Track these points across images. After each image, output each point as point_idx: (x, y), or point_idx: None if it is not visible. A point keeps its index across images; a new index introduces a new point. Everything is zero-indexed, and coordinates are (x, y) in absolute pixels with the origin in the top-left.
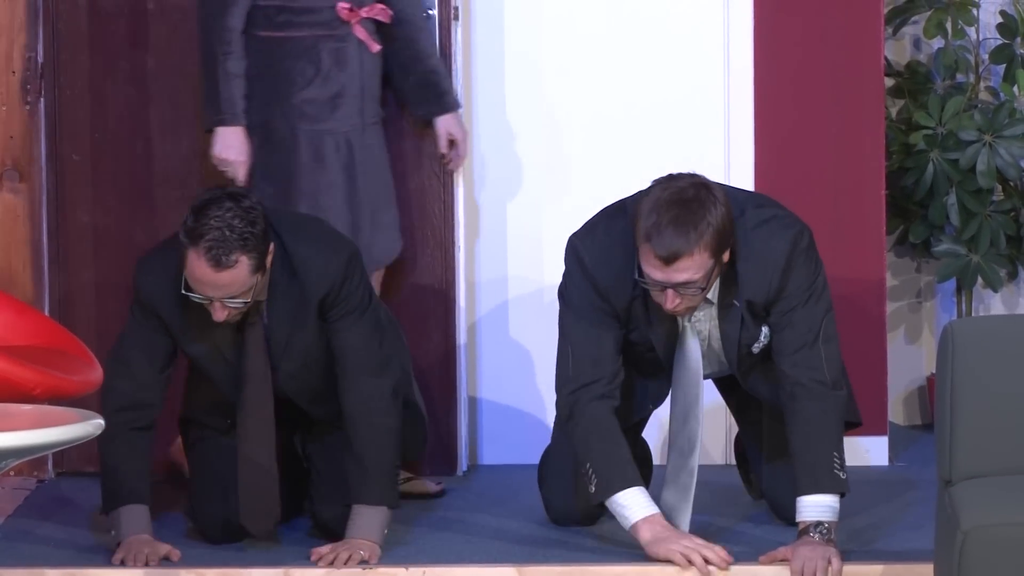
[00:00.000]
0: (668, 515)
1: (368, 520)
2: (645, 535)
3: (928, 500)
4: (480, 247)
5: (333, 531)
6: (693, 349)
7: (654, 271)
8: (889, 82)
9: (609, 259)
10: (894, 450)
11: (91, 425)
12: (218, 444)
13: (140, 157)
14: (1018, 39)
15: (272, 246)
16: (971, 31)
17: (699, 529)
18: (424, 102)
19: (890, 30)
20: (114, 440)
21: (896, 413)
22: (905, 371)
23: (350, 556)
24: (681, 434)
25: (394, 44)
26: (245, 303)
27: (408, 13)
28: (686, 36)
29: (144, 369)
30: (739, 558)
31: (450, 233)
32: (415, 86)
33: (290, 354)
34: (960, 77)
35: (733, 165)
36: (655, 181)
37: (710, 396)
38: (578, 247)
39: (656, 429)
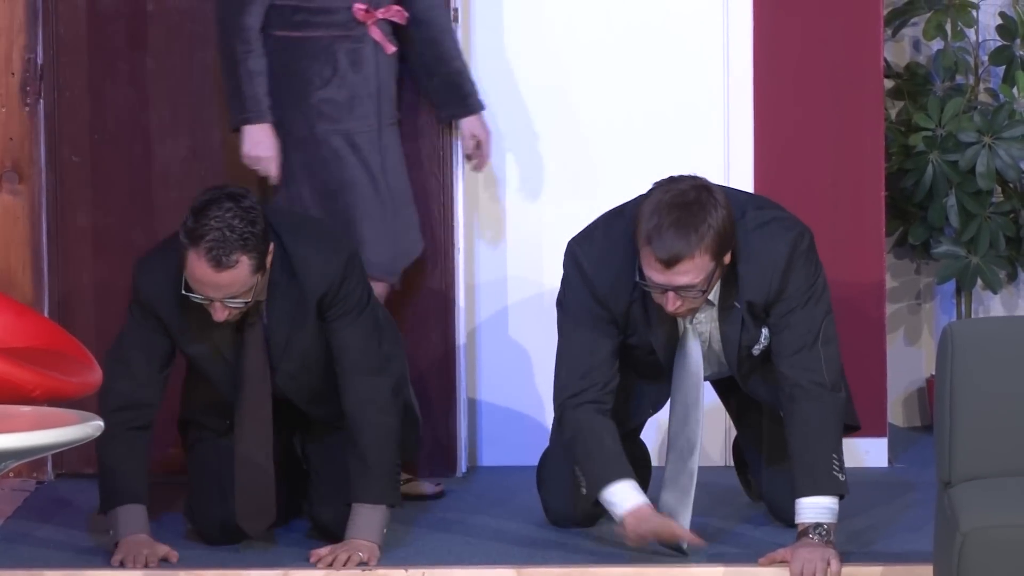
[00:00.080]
0: (668, 517)
1: (368, 520)
2: (630, 526)
3: (927, 502)
4: (479, 249)
5: (332, 532)
6: (694, 351)
7: (655, 274)
8: (888, 84)
9: (608, 262)
10: (893, 451)
11: (90, 427)
12: (217, 445)
13: (139, 159)
14: (1017, 41)
15: (272, 246)
16: (970, 33)
17: (698, 530)
18: (448, 104)
19: (889, 32)
20: (112, 440)
21: (895, 415)
22: (904, 373)
23: (349, 557)
24: (680, 436)
25: (417, 46)
26: (246, 303)
27: (430, 15)
28: (685, 38)
29: (143, 368)
30: (738, 559)
31: (449, 235)
32: (439, 87)
33: (289, 354)
34: (959, 79)
35: (733, 167)
36: (656, 183)
37: (709, 397)
38: (577, 252)
39: (655, 431)
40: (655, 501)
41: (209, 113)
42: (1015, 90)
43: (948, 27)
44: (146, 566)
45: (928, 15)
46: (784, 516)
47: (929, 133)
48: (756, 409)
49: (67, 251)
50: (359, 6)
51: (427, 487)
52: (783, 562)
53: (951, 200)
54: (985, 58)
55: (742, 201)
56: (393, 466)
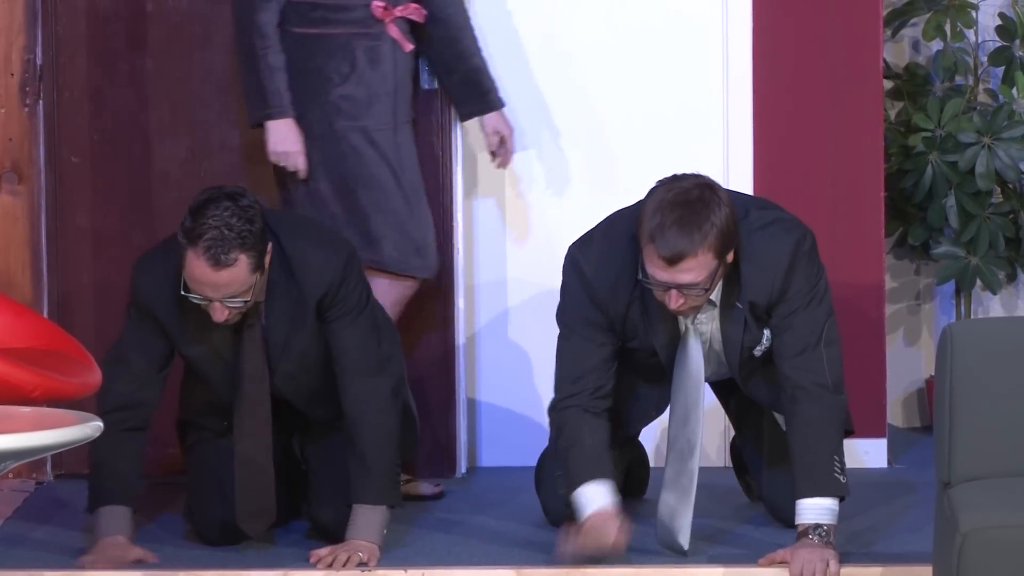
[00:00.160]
0: (668, 518)
1: (368, 520)
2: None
3: (927, 502)
4: (479, 249)
5: (332, 533)
6: (695, 351)
7: (658, 272)
8: (888, 84)
9: (608, 262)
10: (893, 452)
11: (90, 427)
12: (216, 446)
13: (139, 159)
14: (1017, 41)
15: (270, 246)
16: (970, 33)
17: (699, 531)
18: (467, 101)
19: (889, 32)
20: (105, 440)
21: (895, 415)
22: (904, 373)
23: (349, 558)
24: (681, 436)
25: (435, 44)
26: (245, 303)
27: (448, 12)
28: (685, 39)
29: (142, 368)
30: (738, 560)
31: (449, 235)
32: (458, 85)
33: (288, 355)
34: (959, 79)
35: (732, 167)
36: (659, 181)
37: (709, 398)
38: (577, 256)
39: (654, 431)
40: (655, 501)
41: (209, 113)
42: (1014, 91)
43: (947, 28)
44: (118, 568)
45: (927, 16)
46: (784, 517)
47: (928, 134)
48: (756, 411)
49: (66, 251)
50: (377, 3)
51: (427, 488)
52: (783, 563)
53: (950, 201)
54: (984, 59)
55: (745, 202)
56: (393, 466)
